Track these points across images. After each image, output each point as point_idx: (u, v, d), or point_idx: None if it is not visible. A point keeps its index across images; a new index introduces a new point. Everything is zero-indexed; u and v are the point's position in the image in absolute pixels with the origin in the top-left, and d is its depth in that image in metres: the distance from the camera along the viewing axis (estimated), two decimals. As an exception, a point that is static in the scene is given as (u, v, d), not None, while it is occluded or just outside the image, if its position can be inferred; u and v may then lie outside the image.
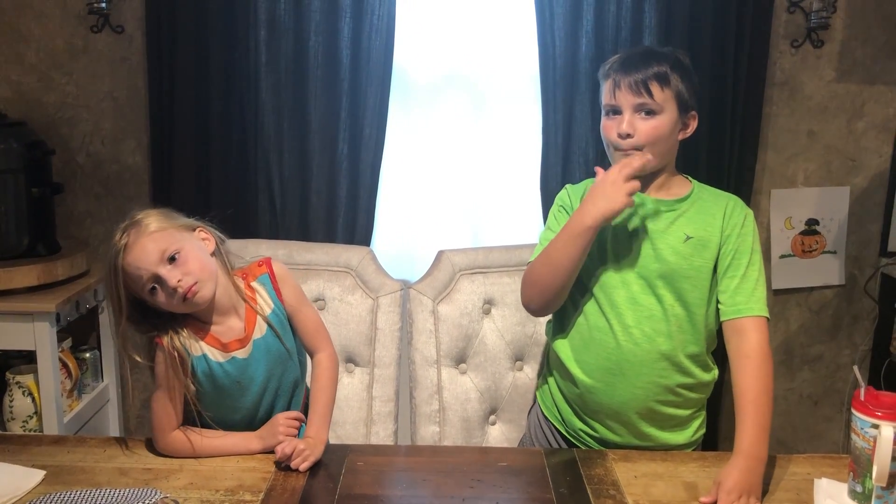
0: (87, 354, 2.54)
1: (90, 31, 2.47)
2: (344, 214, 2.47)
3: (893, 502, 1.35)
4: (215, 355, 1.53)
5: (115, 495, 1.36)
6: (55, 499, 1.34)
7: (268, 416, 1.60)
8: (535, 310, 1.68)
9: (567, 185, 1.75)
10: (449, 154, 2.54)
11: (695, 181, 1.67)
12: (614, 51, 2.38)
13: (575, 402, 1.67)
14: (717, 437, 2.51)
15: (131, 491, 1.37)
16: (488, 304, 1.97)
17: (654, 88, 1.54)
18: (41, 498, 1.35)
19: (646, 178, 1.58)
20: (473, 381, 1.94)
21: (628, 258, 1.59)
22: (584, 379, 1.63)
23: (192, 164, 2.45)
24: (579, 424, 1.68)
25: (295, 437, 1.53)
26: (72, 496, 1.35)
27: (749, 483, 1.40)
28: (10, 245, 2.25)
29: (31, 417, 2.26)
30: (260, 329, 1.57)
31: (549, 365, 1.76)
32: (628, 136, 1.54)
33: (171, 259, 1.44)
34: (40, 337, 2.17)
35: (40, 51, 2.49)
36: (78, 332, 2.54)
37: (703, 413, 1.71)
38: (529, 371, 1.98)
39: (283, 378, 1.61)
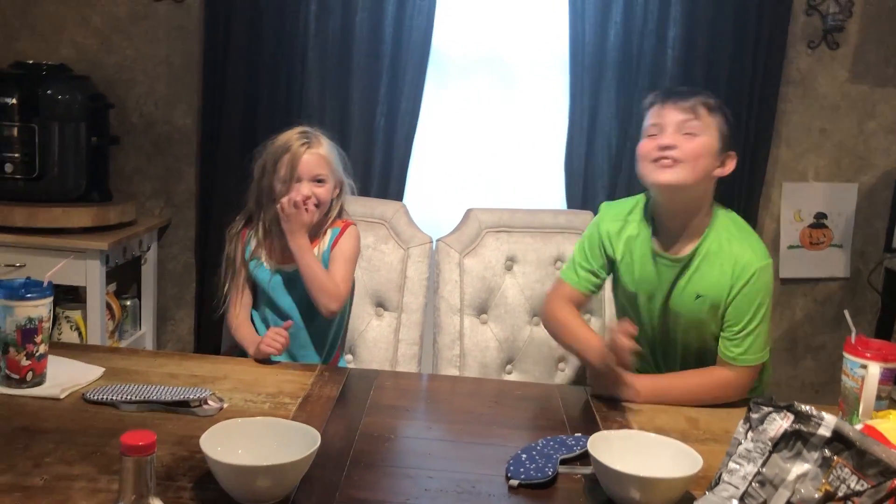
0: (129, 302, 2.70)
1: (152, 0, 2.65)
2: (377, 183, 2.62)
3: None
4: (270, 263, 1.85)
5: (169, 390, 1.50)
6: (115, 389, 1.48)
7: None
8: None
9: (603, 221, 1.79)
10: (479, 131, 2.70)
11: (718, 219, 1.69)
12: (640, 42, 2.54)
13: None
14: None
15: (183, 388, 1.51)
16: (510, 261, 2.11)
17: (702, 111, 1.61)
18: (102, 387, 1.49)
19: (680, 219, 1.67)
20: (493, 330, 2.08)
21: (653, 314, 1.75)
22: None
23: (238, 129, 2.61)
24: None
25: (277, 349, 1.73)
26: (130, 388, 1.49)
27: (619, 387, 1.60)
28: (68, 188, 2.43)
29: (76, 351, 2.41)
30: None
31: None
32: (670, 146, 1.59)
33: (318, 181, 1.81)
34: (91, 273, 2.34)
35: (105, 15, 2.67)
36: (122, 281, 2.71)
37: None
38: None
39: (309, 313, 1.85)
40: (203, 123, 2.67)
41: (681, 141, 1.60)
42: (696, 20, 2.53)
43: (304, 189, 1.79)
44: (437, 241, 2.10)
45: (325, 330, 1.89)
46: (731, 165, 1.67)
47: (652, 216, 1.72)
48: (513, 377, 2.10)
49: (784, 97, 2.66)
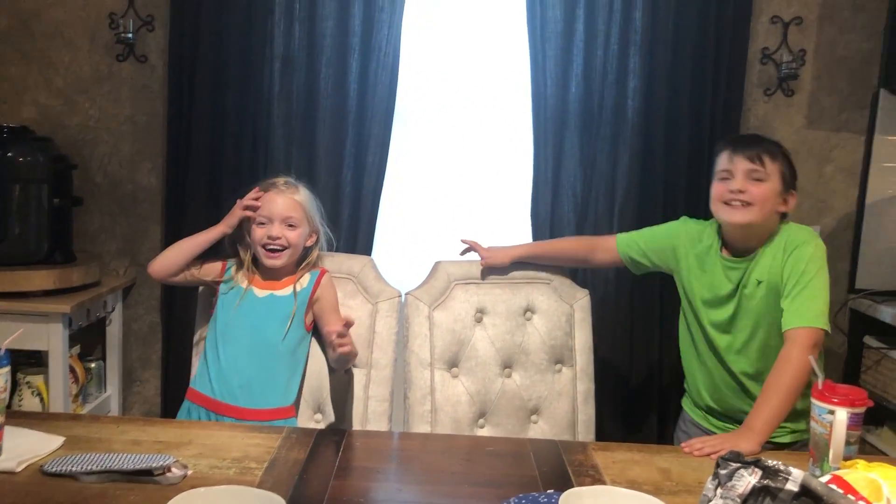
0: (93, 364, 2.64)
1: (116, 60, 2.65)
2: (345, 237, 2.61)
3: (848, 482, 1.47)
4: (243, 282, 1.99)
5: (132, 458, 1.46)
6: (75, 459, 1.44)
7: (234, 368, 1.91)
8: None
9: (679, 235, 2.08)
10: (445, 183, 2.71)
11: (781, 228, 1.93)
12: (601, 93, 2.59)
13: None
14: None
15: (146, 456, 1.47)
16: (480, 313, 2.11)
17: (766, 159, 1.89)
18: (62, 458, 1.45)
19: (747, 243, 1.93)
20: (465, 384, 2.06)
21: (723, 320, 1.96)
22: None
23: (204, 186, 2.60)
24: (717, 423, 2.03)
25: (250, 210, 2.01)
26: (91, 457, 1.45)
27: (730, 440, 1.66)
28: (30, 250, 2.39)
29: (37, 417, 2.35)
30: (284, 291, 1.98)
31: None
32: (740, 191, 1.88)
33: (289, 225, 1.97)
34: (53, 337, 2.29)
35: (68, 76, 2.67)
36: (86, 343, 2.66)
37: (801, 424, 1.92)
38: (518, 377, 2.10)
39: (265, 342, 1.92)
40: (168, 182, 2.66)
41: (749, 186, 1.88)
42: (654, 71, 2.58)
43: (275, 230, 1.95)
44: (406, 294, 2.09)
45: (274, 377, 1.96)
46: (792, 202, 1.94)
47: (722, 237, 1.99)
48: (485, 431, 2.08)
49: (744, 144, 2.71)
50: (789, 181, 1.92)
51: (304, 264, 2.04)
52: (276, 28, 2.56)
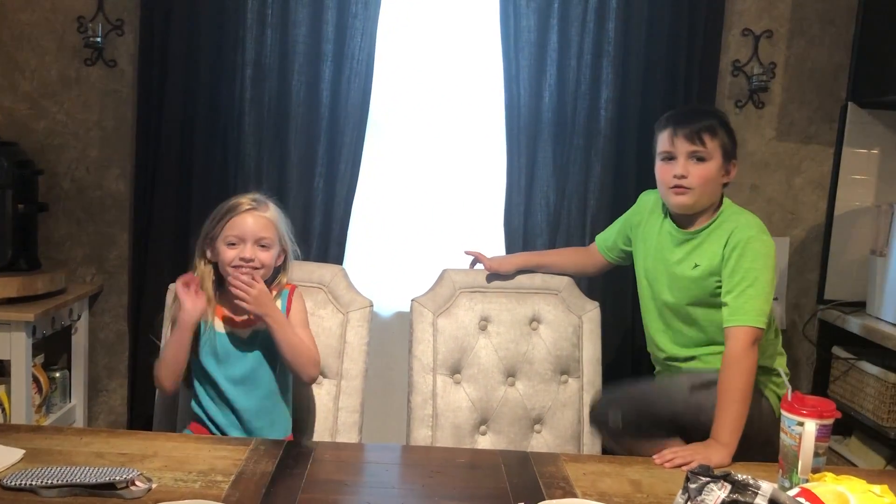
0: (58, 374, 2.59)
1: (84, 64, 2.61)
2: (316, 245, 2.59)
3: (817, 494, 1.47)
4: (218, 325, 1.86)
5: (94, 472, 1.43)
6: (35, 473, 1.41)
7: (230, 423, 1.85)
8: None
9: (632, 212, 2.13)
10: (418, 191, 2.70)
11: (726, 208, 1.93)
12: (574, 104, 2.60)
13: None
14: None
15: (108, 469, 1.44)
16: (485, 322, 2.11)
17: (706, 138, 1.86)
18: (22, 472, 1.41)
19: (693, 216, 1.92)
20: (466, 391, 2.07)
21: (657, 289, 1.98)
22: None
23: (173, 193, 2.56)
24: None
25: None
26: (52, 471, 1.42)
27: (701, 452, 1.66)
28: (-7, 257, 2.34)
29: (-1, 428, 2.29)
30: (262, 324, 1.86)
31: None
32: (682, 177, 1.86)
33: (261, 245, 1.85)
34: (16, 346, 2.24)
35: (34, 80, 2.62)
36: (50, 352, 2.60)
37: None
38: (521, 387, 2.10)
39: (258, 392, 1.86)
40: (136, 188, 2.62)
41: (690, 169, 1.87)
42: (627, 82, 2.59)
43: (248, 251, 1.83)
44: (412, 300, 2.10)
45: (272, 407, 1.90)
46: (734, 172, 1.93)
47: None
48: (487, 438, 2.08)
49: (715, 155, 2.73)
50: (731, 152, 1.91)
51: (274, 284, 1.93)
52: (247, 34, 2.54)
